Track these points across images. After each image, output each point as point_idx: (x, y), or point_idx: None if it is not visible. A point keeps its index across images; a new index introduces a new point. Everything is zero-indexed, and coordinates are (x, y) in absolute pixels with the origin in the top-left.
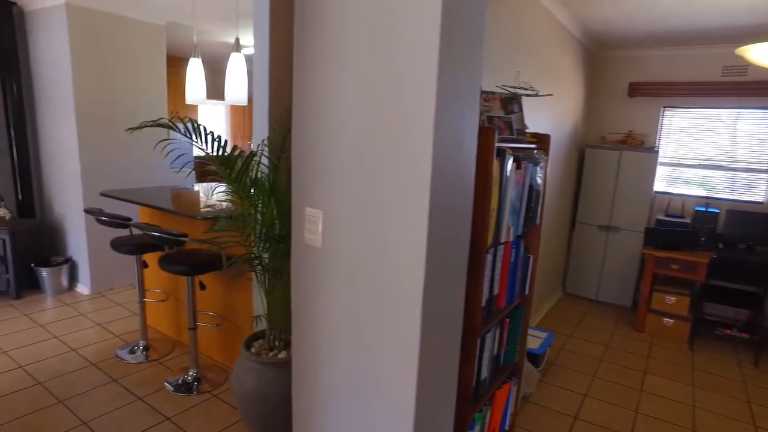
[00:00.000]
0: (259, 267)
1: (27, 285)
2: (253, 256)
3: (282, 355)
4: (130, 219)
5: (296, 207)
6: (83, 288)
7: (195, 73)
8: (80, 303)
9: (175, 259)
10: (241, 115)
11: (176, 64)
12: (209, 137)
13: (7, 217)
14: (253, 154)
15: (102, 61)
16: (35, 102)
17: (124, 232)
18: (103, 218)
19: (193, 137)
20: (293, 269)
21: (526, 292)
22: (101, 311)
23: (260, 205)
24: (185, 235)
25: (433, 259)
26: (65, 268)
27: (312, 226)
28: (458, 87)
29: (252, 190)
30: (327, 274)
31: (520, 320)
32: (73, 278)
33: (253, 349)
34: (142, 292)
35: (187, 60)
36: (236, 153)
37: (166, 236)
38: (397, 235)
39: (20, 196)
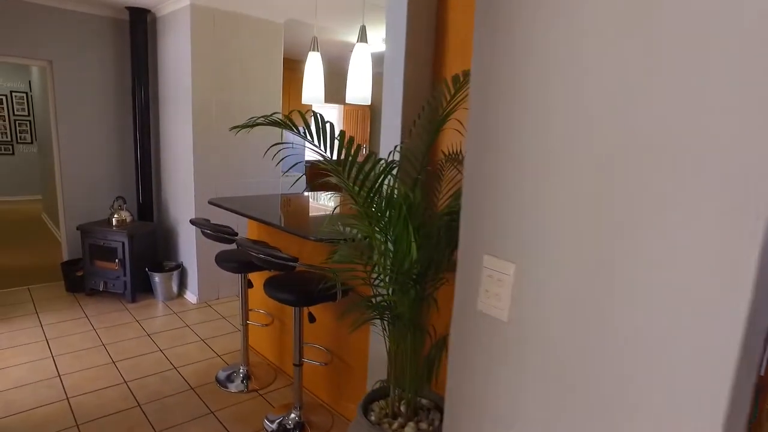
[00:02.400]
0: (387, 313)
1: (142, 288)
2: (379, 300)
3: (409, 429)
4: (235, 234)
5: (466, 252)
6: (191, 296)
7: (313, 68)
8: (187, 312)
9: (282, 285)
10: (354, 119)
11: (292, 67)
12: (330, 136)
13: (128, 219)
14: (391, 165)
15: (220, 61)
16: (159, 105)
17: (231, 245)
18: (207, 231)
19: (314, 138)
20: (453, 337)
21: None
22: (205, 324)
23: (393, 232)
24: (294, 260)
25: (745, 370)
26: (176, 274)
27: (494, 286)
28: None
29: (385, 212)
30: (516, 363)
31: None
32: (182, 284)
33: (372, 415)
34: (246, 314)
35: (303, 62)
36: (372, 161)
37: (272, 260)
38: (679, 323)
39: (141, 199)
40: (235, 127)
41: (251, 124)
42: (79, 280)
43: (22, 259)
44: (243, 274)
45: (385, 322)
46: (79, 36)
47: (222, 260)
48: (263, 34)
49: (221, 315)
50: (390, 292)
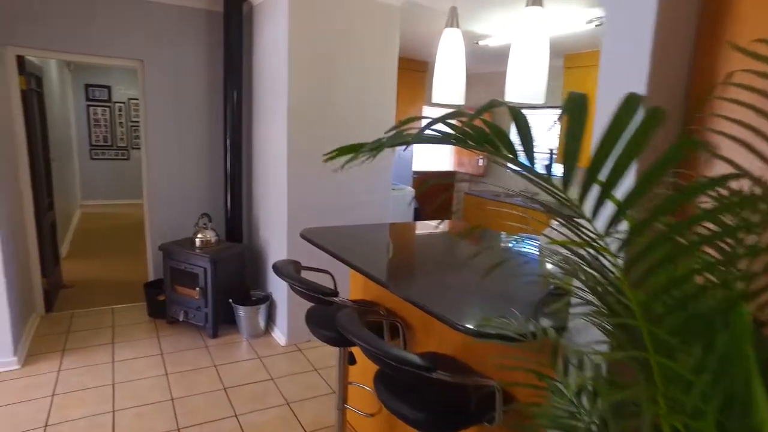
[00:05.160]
0: None
1: (226, 319)
2: None
3: None
4: (335, 293)
5: None
6: (279, 335)
7: (451, 52)
8: (273, 357)
9: (404, 392)
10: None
11: (406, 67)
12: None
13: (213, 240)
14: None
15: (322, 54)
16: (253, 109)
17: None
18: (297, 287)
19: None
20: None
21: None
22: (294, 378)
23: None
24: (433, 368)
25: None
26: (263, 308)
27: None
28: None
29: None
30: None
31: None
32: (270, 318)
33: None
34: (344, 393)
35: (423, 63)
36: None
37: (403, 367)
38: None
39: (229, 214)
40: (375, 148)
41: (408, 141)
42: (160, 304)
43: (115, 271)
44: (343, 348)
45: None
46: (169, 32)
47: (316, 324)
48: (374, 18)
49: (313, 365)
50: None
